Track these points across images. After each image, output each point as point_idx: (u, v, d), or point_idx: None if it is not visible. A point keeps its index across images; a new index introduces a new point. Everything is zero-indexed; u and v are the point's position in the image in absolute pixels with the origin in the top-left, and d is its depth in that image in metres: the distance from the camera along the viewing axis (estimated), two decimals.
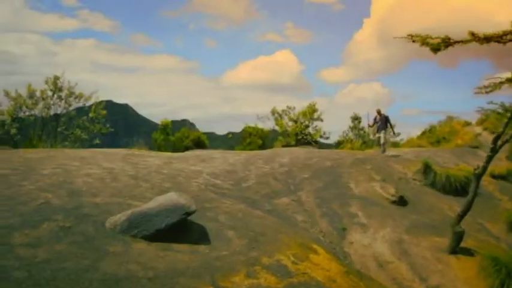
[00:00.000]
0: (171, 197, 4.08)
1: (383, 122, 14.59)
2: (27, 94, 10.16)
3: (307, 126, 18.42)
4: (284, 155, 10.64)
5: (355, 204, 7.47)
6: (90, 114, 10.91)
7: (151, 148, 12.40)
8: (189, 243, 3.87)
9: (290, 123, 18.50)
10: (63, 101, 10.50)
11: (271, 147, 17.76)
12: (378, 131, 14.61)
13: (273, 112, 18.73)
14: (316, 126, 18.85)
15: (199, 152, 11.53)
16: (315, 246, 4.72)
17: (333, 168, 9.56)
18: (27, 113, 10.19)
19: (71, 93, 10.56)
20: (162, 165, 7.76)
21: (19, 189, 4.41)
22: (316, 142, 18.03)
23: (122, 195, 4.75)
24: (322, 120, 19.04)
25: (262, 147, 16.80)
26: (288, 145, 16.96)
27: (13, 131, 9.54)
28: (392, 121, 14.93)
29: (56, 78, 10.51)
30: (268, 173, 8.71)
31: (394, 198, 7.96)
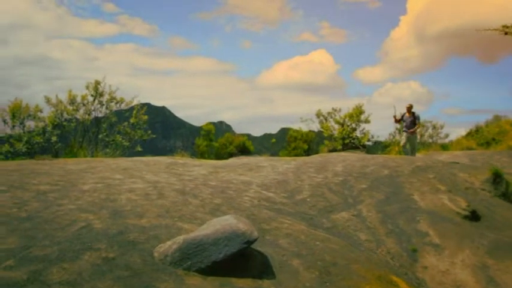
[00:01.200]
0: (229, 222, 3.52)
1: (412, 121, 12.97)
2: (68, 100, 9.96)
3: (354, 129, 17.57)
4: (337, 163, 9.96)
5: (423, 220, 6.70)
6: (131, 120, 10.61)
7: (193, 154, 12.03)
8: (250, 277, 3.31)
9: (336, 126, 17.72)
10: (104, 107, 10.23)
11: (316, 152, 17.06)
12: (405, 131, 13.16)
13: (318, 114, 18.00)
14: (363, 129, 17.97)
15: (245, 159, 11.02)
16: (395, 278, 4.05)
17: (392, 177, 8.79)
18: (68, 120, 9.96)
19: (112, 98, 10.29)
20: (208, 176, 7.27)
21: (58, 209, 3.99)
22: (364, 146, 17.16)
23: (170, 215, 4.25)
24: (369, 122, 18.15)
25: (307, 152, 16.17)
26: (334, 150, 16.23)
27: (54, 138, 9.33)
28: (428, 121, 14.03)
29: (97, 83, 10.28)
30: (322, 184, 8.06)
31: (466, 213, 7.11)
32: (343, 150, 16.20)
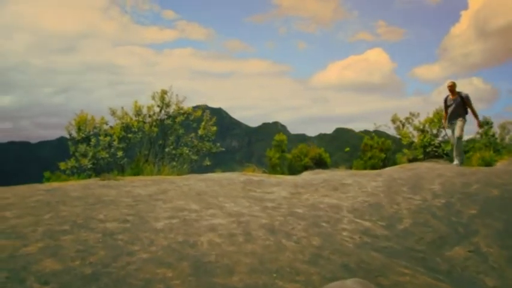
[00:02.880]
0: None
1: (459, 105, 10.13)
2: (133, 112, 9.45)
3: (436, 136, 15.96)
4: (431, 179, 8.70)
5: None
6: (200, 132, 9.92)
7: (263, 165, 11.21)
8: None
9: (415, 133, 16.21)
10: (170, 118, 9.62)
11: (393, 161, 15.68)
12: (451, 120, 10.35)
13: (394, 120, 16.59)
14: (445, 136, 16.26)
15: (324, 174, 10.00)
16: None
17: (505, 199, 7.39)
18: (133, 132, 9.43)
19: (179, 109, 9.66)
20: (291, 200, 6.36)
21: (129, 261, 3.22)
22: (447, 155, 15.53)
23: (266, 269, 3.36)
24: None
25: (384, 161, 14.92)
26: (415, 159, 14.82)
27: (119, 153, 8.82)
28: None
29: (164, 92, 9.69)
30: (423, 207, 6.88)
31: None
32: (424, 159, 14.74)
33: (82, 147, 8.92)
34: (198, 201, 5.25)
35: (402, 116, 16.53)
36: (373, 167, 13.89)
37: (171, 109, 9.73)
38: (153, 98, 9.74)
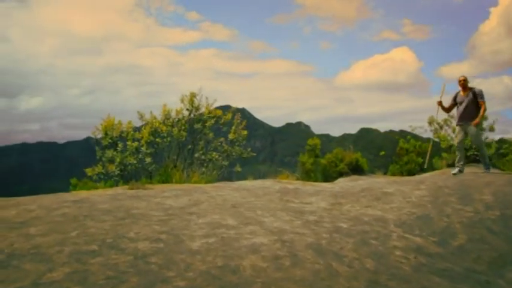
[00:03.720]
0: None
1: (471, 102, 8.83)
2: (162, 116, 9.15)
3: None
4: (480, 188, 8.09)
5: None
6: (230, 136, 9.56)
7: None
8: None
9: (453, 135, 15.39)
10: (200, 123, 9.28)
11: (431, 166, 14.97)
12: (462, 120, 9.10)
13: (431, 121, 15.87)
14: (486, 138, 15.42)
15: (362, 181, 9.47)
16: None
17: None
18: (161, 136, 9.13)
19: (209, 112, 9.32)
20: (333, 212, 5.92)
21: None
22: (490, 159, 14.67)
23: None
24: (494, 130, 15.56)
25: (421, 166, 14.24)
26: (454, 164, 14.05)
27: (148, 159, 8.53)
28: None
29: (193, 95, 9.37)
30: (476, 221, 6.32)
31: None
32: (464, 164, 13.99)
33: (109, 153, 8.67)
34: (234, 215, 4.87)
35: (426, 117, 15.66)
36: (410, 173, 13.29)
37: (201, 112, 9.38)
38: (182, 101, 9.42)
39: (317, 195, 7.07)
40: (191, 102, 9.33)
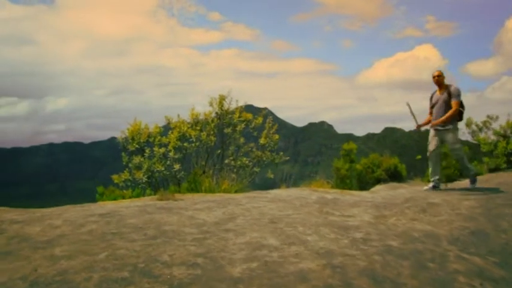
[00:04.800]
0: None
1: (445, 103, 7.44)
2: (190, 120, 8.83)
3: None
4: None
5: None
6: (261, 141, 9.17)
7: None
8: None
9: (494, 138, 14.69)
10: (231, 126, 8.92)
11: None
12: (436, 125, 7.71)
13: (468, 124, 15.15)
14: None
15: (403, 189, 8.96)
16: None
17: None
18: (190, 141, 8.81)
19: (239, 116, 8.95)
20: (379, 227, 5.47)
21: None
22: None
23: None
24: None
25: (461, 171, 13.56)
26: (497, 169, 13.41)
27: (176, 166, 8.21)
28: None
29: (222, 98, 9.02)
30: None
31: None
32: (508, 169, 13.29)
33: (136, 159, 8.39)
34: (274, 233, 4.48)
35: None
36: (449, 178, 12.64)
37: (230, 116, 9.02)
38: (211, 104, 9.08)
39: (358, 206, 6.62)
40: (220, 105, 8.99)
